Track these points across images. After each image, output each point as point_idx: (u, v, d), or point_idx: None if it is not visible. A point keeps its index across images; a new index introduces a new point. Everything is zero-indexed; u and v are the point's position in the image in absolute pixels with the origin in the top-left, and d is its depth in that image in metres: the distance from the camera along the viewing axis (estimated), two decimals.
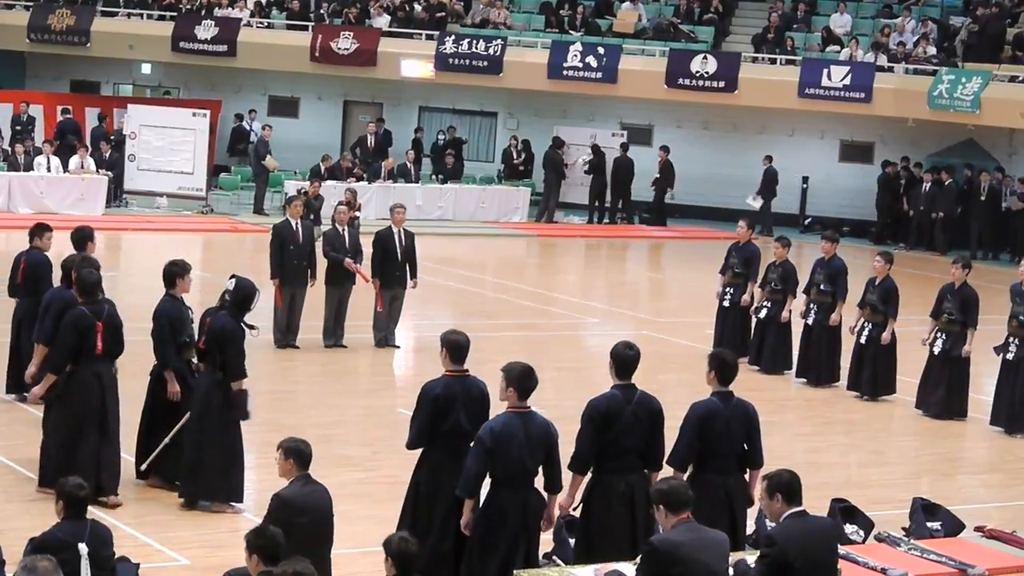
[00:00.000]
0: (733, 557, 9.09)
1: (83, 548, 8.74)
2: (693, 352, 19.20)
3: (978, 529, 12.75)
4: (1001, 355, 17.17)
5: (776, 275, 19.59)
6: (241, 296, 12.52)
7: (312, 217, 23.41)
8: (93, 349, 12.47)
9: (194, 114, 33.79)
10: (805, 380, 19.22)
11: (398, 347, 20.00)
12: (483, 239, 32.95)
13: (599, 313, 24.52)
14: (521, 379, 9.91)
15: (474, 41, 36.63)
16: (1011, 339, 17.03)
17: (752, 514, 10.79)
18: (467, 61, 36.47)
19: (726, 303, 20.09)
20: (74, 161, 31.53)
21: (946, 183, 34.35)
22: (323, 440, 14.83)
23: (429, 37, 37.17)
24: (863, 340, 18.40)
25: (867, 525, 12.25)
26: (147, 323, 13.05)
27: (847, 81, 34.33)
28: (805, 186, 36.96)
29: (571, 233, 34.87)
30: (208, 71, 39.38)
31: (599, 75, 35.68)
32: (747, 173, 36.20)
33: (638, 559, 8.65)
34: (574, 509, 10.39)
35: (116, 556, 9.32)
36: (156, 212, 32.76)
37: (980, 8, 36.30)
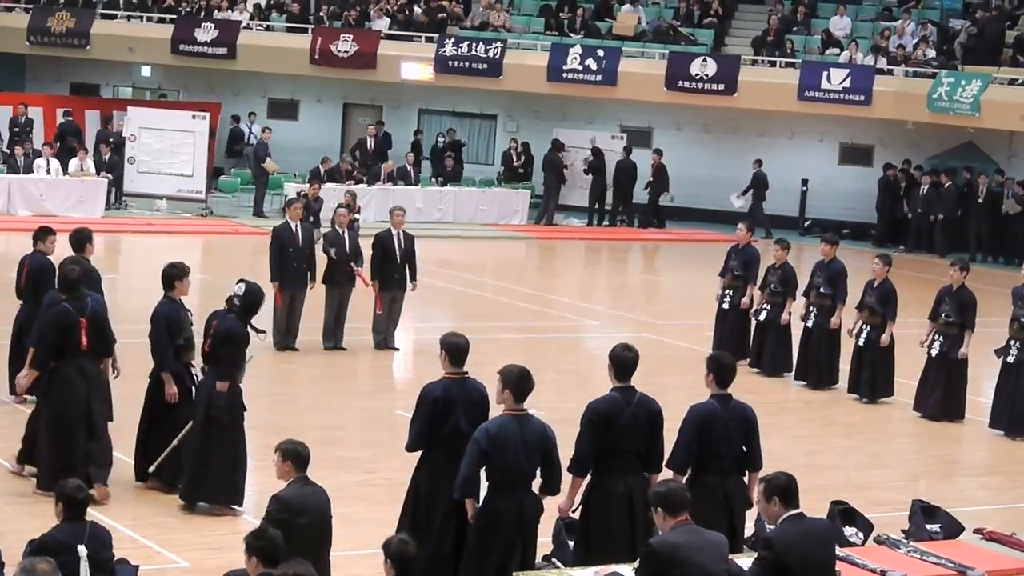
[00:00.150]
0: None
1: (82, 550, 8.74)
2: (693, 354, 19.20)
3: (977, 531, 12.76)
4: (1002, 358, 17.17)
5: (776, 278, 19.59)
6: (251, 300, 12.57)
7: (312, 219, 23.42)
8: (78, 345, 12.51)
9: (193, 116, 33.77)
10: (805, 383, 19.22)
11: (397, 349, 20.01)
12: (482, 242, 32.95)
13: (599, 315, 24.52)
14: (517, 382, 9.91)
15: (474, 44, 36.64)
16: (1012, 342, 17.02)
17: (751, 516, 10.78)
18: (467, 64, 36.48)
19: (726, 305, 20.09)
20: (74, 163, 31.53)
21: (946, 186, 34.36)
22: (323, 442, 14.83)
23: (429, 40, 37.18)
24: (861, 342, 18.41)
25: (866, 527, 12.26)
26: (146, 325, 13.05)
27: (847, 84, 34.34)
28: (805, 189, 36.96)
29: (571, 235, 34.87)
30: (208, 74, 39.38)
31: (599, 78, 35.69)
32: (747, 176, 36.14)
33: (637, 561, 8.65)
34: (573, 511, 10.39)
35: (115, 558, 9.32)
36: (156, 214, 32.76)
37: (979, 11, 36.33)
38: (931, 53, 35.22)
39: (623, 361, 10.32)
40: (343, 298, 19.68)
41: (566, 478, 10.23)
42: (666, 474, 10.22)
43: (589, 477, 10.24)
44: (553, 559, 10.83)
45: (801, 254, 27.58)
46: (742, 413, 10.51)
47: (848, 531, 12.15)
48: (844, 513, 12.30)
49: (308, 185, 27.98)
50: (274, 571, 7.60)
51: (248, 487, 12.49)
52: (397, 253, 19.68)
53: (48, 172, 31.25)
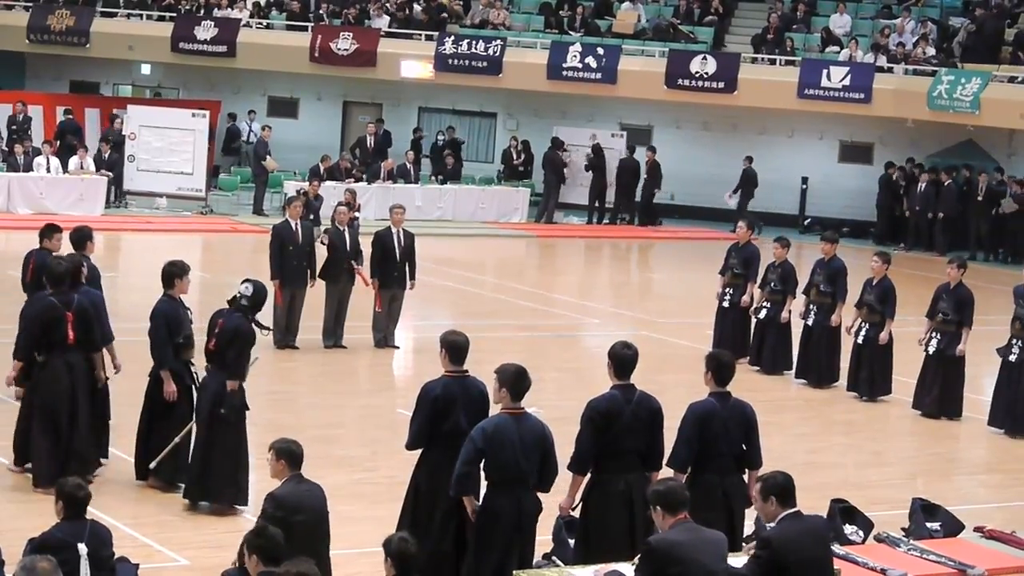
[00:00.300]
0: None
1: (82, 548, 8.75)
2: (693, 353, 19.19)
3: (977, 529, 12.76)
4: (1003, 357, 17.16)
5: (776, 276, 19.59)
6: (259, 299, 12.60)
7: (312, 217, 23.43)
8: (64, 339, 12.56)
9: (193, 115, 33.78)
10: (805, 381, 19.22)
11: (397, 348, 20.01)
12: (482, 240, 32.95)
13: (599, 314, 24.52)
14: (514, 380, 9.90)
15: (473, 42, 36.63)
16: (1015, 340, 17.01)
17: (751, 515, 10.78)
18: (466, 62, 36.48)
19: (726, 304, 20.09)
20: (73, 162, 31.53)
21: (945, 184, 34.35)
22: (323, 440, 14.85)
23: (428, 38, 37.18)
24: (860, 340, 18.42)
25: (867, 526, 12.26)
26: (146, 323, 13.06)
27: (846, 82, 34.34)
28: (805, 187, 36.97)
29: (570, 234, 34.87)
30: (207, 72, 39.38)
31: (598, 76, 35.69)
32: None
33: (636, 559, 8.65)
34: (573, 509, 10.39)
35: (115, 556, 9.32)
36: (155, 213, 32.76)
37: (979, 9, 36.32)
38: (931, 51, 35.22)
39: (623, 359, 10.32)
40: (343, 296, 19.68)
41: (566, 476, 10.23)
42: (666, 472, 10.22)
43: (590, 475, 10.24)
44: (553, 557, 10.83)
45: (801, 252, 27.57)
46: (741, 411, 10.51)
47: (848, 529, 12.15)
48: (844, 511, 12.30)
49: (308, 183, 27.99)
50: (278, 569, 7.60)
51: (248, 485, 12.48)
52: (397, 251, 19.68)
53: (48, 170, 31.25)
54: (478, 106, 39.46)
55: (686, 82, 35.32)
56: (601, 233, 35.22)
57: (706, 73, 35.19)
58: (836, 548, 11.53)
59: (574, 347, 21.76)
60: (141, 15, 39.40)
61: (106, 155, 32.97)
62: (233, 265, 26.16)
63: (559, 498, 10.36)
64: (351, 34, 37.22)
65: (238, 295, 12.55)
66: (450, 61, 36.56)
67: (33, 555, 7.50)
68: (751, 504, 10.28)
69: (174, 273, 13.04)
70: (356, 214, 21.82)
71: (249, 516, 11.93)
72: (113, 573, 9.16)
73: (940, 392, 17.66)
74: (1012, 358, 17.00)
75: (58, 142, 33.15)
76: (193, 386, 12.88)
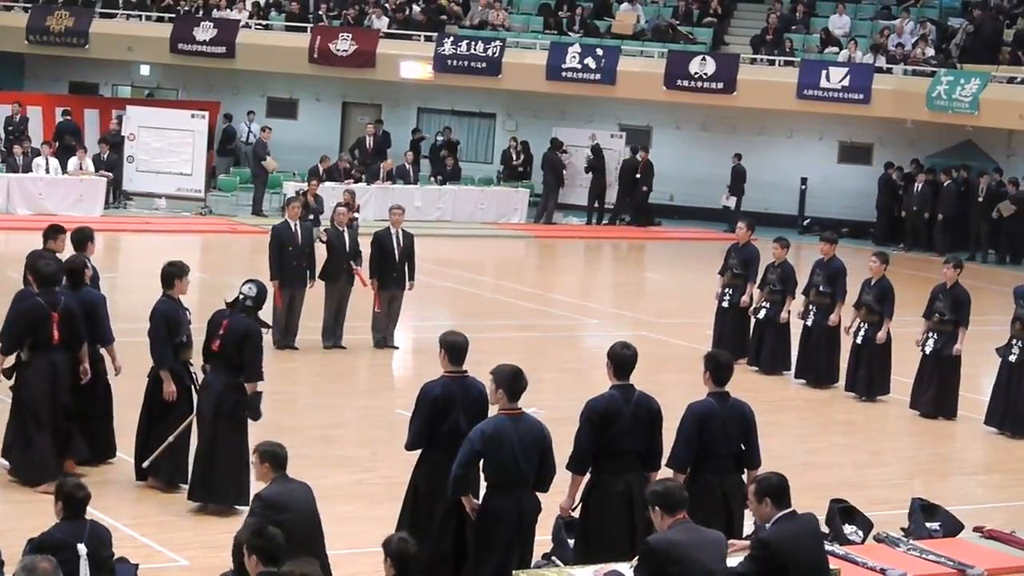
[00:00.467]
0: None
1: (82, 548, 8.75)
2: (692, 353, 19.18)
3: (977, 529, 12.77)
4: (1003, 357, 17.16)
5: (775, 276, 19.60)
6: (261, 299, 12.62)
7: (312, 218, 23.43)
8: (49, 339, 12.63)
9: (192, 115, 33.78)
10: (804, 381, 19.23)
11: (397, 348, 20.02)
12: (482, 240, 32.95)
13: (598, 314, 24.53)
14: (511, 381, 9.90)
15: (473, 43, 36.64)
16: (1015, 341, 17.00)
17: (750, 515, 10.78)
18: (466, 63, 36.48)
19: (725, 304, 20.10)
20: (73, 162, 31.53)
21: (945, 184, 34.35)
22: (322, 441, 14.88)
23: (428, 38, 37.18)
24: (859, 340, 18.42)
25: (866, 525, 12.26)
26: (145, 324, 13.07)
27: (846, 82, 34.34)
28: (804, 187, 36.98)
29: (570, 234, 34.87)
30: (207, 73, 39.37)
31: (598, 76, 35.69)
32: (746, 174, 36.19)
33: (635, 559, 8.65)
34: (573, 509, 10.39)
35: (115, 556, 9.33)
36: (155, 213, 32.76)
37: (975, 10, 36.32)
38: (930, 52, 35.23)
39: (622, 359, 10.33)
40: (342, 297, 19.69)
41: (565, 476, 10.23)
42: (665, 472, 10.22)
43: (589, 475, 10.24)
44: (553, 557, 10.84)
45: (800, 252, 27.58)
46: (740, 411, 10.52)
47: (848, 529, 12.16)
48: (844, 511, 12.30)
49: (307, 183, 27.98)
50: (283, 569, 7.60)
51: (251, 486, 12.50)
52: (396, 252, 19.69)
53: (47, 171, 31.25)
54: (477, 107, 39.46)
55: (685, 83, 35.33)
56: (600, 234, 35.23)
57: (705, 74, 35.20)
58: (836, 548, 11.56)
59: (573, 347, 21.76)
60: (140, 16, 39.41)
61: (105, 156, 32.97)
62: (232, 266, 26.18)
63: (559, 498, 10.36)
64: (350, 35, 37.23)
65: (241, 296, 12.53)
66: (449, 62, 36.57)
67: (33, 555, 7.50)
68: None
69: (174, 273, 13.05)
70: (355, 215, 21.84)
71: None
72: (113, 573, 9.16)
73: (936, 392, 17.67)
74: (1012, 358, 17.00)
75: (56, 143, 33.13)
76: (192, 386, 12.88)
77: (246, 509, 12.21)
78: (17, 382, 12.83)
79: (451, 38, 36.87)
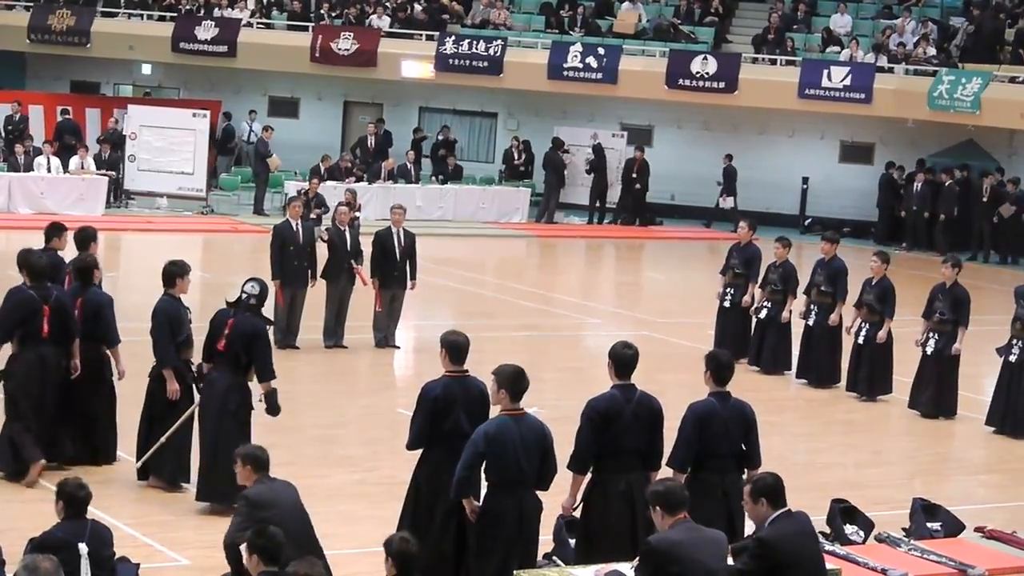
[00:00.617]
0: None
1: (83, 548, 8.76)
2: (693, 353, 19.18)
3: (978, 530, 12.76)
4: (1003, 357, 17.16)
5: (776, 276, 19.59)
6: (264, 296, 12.64)
7: (313, 216, 23.43)
8: (39, 332, 12.72)
9: (194, 115, 33.79)
10: (805, 381, 19.22)
11: (398, 347, 20.02)
12: (483, 240, 32.95)
13: (599, 313, 24.53)
14: (512, 381, 9.89)
15: (474, 42, 36.64)
16: (1015, 341, 16.99)
17: None
18: (467, 62, 36.48)
19: (727, 303, 20.10)
20: (74, 161, 31.55)
21: (946, 184, 34.34)
22: (323, 440, 14.88)
23: (429, 38, 37.18)
24: (860, 340, 18.42)
25: (867, 526, 12.26)
26: (146, 323, 13.07)
27: (847, 82, 34.35)
28: (805, 187, 36.97)
29: (571, 234, 34.87)
30: (208, 72, 39.38)
31: (599, 76, 35.69)
32: (747, 174, 36.19)
33: (637, 559, 8.65)
34: (575, 509, 10.39)
35: (116, 556, 9.33)
36: (156, 212, 32.77)
37: (975, 9, 36.31)
38: (932, 51, 35.23)
39: (623, 359, 10.32)
40: (344, 296, 19.70)
41: (565, 476, 10.23)
42: (666, 472, 10.22)
43: (590, 475, 10.24)
44: (554, 557, 10.83)
45: (802, 252, 27.57)
46: (741, 411, 10.51)
47: (849, 529, 12.16)
48: (845, 511, 12.30)
49: (308, 182, 28.00)
50: (285, 571, 7.60)
51: None
52: (397, 251, 19.69)
53: (49, 170, 31.26)
54: (479, 106, 39.46)
55: (687, 82, 35.33)
56: (602, 233, 35.23)
57: (707, 73, 35.20)
58: (837, 548, 11.57)
59: (574, 347, 21.76)
60: (142, 15, 39.42)
61: (106, 155, 32.98)
62: (233, 265, 26.18)
63: (560, 498, 10.36)
64: (352, 34, 37.23)
65: (244, 295, 12.53)
66: (451, 61, 36.57)
67: (35, 554, 7.50)
68: None
69: (175, 272, 13.06)
70: (357, 214, 21.84)
71: None
72: (113, 573, 9.17)
73: (935, 391, 17.66)
74: (1012, 358, 16.99)
75: (56, 142, 33.13)
76: (194, 386, 12.88)
77: None
78: (4, 374, 12.95)
79: (452, 37, 36.87)
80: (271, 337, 17.86)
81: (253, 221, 31.87)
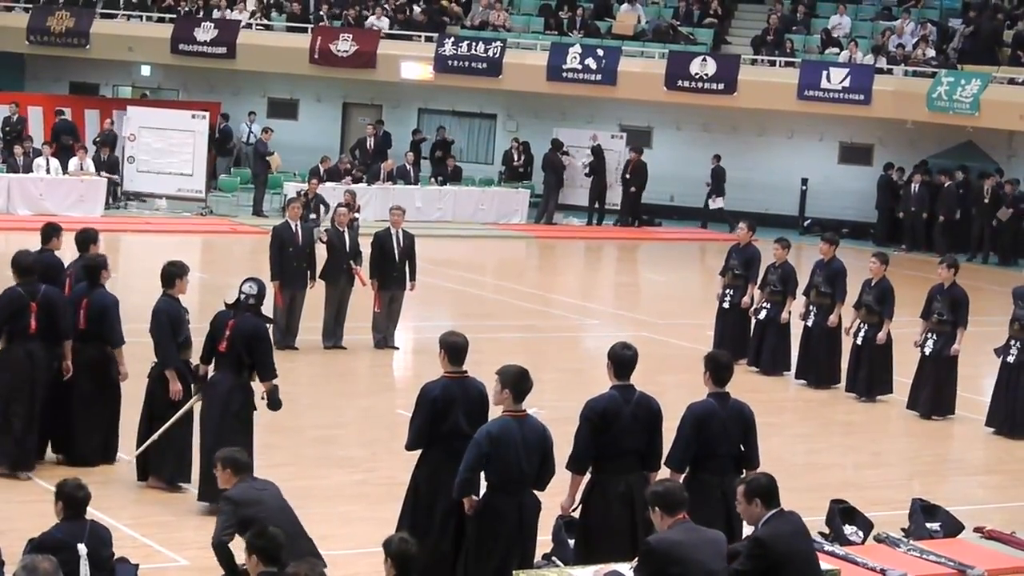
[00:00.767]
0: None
1: (82, 548, 8.76)
2: (693, 354, 19.18)
3: (977, 530, 12.77)
4: (1001, 357, 17.17)
5: (776, 276, 19.60)
6: (263, 296, 12.66)
7: (313, 217, 23.43)
8: (27, 328, 12.80)
9: (193, 116, 33.78)
10: (805, 382, 19.23)
11: (397, 348, 20.02)
12: (482, 241, 32.95)
13: (598, 314, 24.53)
14: (516, 381, 9.89)
15: (473, 43, 36.64)
16: (1013, 342, 17.00)
17: None
18: (466, 63, 36.49)
19: (726, 305, 20.10)
20: (73, 163, 31.55)
21: (945, 185, 34.34)
22: (322, 441, 14.88)
23: (428, 39, 37.19)
24: (859, 341, 18.42)
25: (866, 526, 12.27)
26: (146, 324, 13.07)
27: (846, 83, 34.35)
28: (804, 188, 36.96)
29: (570, 235, 34.87)
30: (207, 73, 39.38)
31: (598, 77, 35.69)
32: (746, 175, 36.23)
33: (636, 560, 8.65)
34: (574, 510, 10.39)
35: (115, 556, 9.33)
36: (155, 214, 32.77)
37: (972, 11, 36.31)
38: (931, 52, 35.23)
39: (622, 359, 10.33)
40: (343, 297, 19.70)
41: (564, 476, 10.23)
42: (664, 472, 10.22)
43: (589, 476, 10.24)
44: (553, 557, 10.84)
45: (801, 253, 27.58)
46: (740, 412, 10.51)
47: (848, 530, 12.16)
48: (844, 512, 12.31)
49: (307, 183, 27.99)
50: (285, 571, 7.60)
51: None
52: (396, 252, 19.69)
53: (48, 171, 31.26)
54: (478, 107, 39.46)
55: (686, 83, 35.34)
56: (601, 234, 35.23)
57: (706, 74, 35.20)
58: (836, 548, 11.58)
59: (574, 348, 21.76)
60: (141, 16, 39.42)
61: (104, 157, 32.97)
62: (233, 266, 26.18)
63: (559, 498, 10.36)
64: (351, 35, 37.23)
65: (242, 296, 12.53)
66: (450, 62, 36.57)
67: (34, 555, 7.51)
68: None
69: (174, 273, 13.08)
70: (356, 215, 21.85)
71: None
72: (113, 573, 9.17)
73: (932, 391, 17.66)
74: (1010, 359, 17.00)
75: (54, 144, 33.11)
76: (193, 386, 12.87)
77: None
78: None
79: (452, 39, 36.88)
80: (271, 338, 18.02)
81: (252, 222, 31.86)
